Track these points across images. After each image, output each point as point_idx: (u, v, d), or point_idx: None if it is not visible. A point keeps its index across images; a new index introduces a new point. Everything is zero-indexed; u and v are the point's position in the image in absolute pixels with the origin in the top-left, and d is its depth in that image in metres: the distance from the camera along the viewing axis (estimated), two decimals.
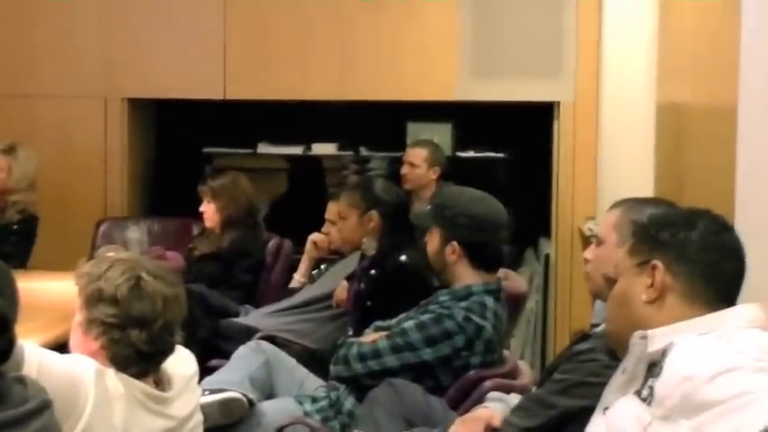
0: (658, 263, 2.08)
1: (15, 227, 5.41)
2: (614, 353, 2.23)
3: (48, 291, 3.91)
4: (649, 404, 1.95)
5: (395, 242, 4.29)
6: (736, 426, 1.80)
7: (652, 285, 2.08)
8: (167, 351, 2.51)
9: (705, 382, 1.87)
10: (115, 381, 2.40)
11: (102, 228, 6.01)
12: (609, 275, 2.29)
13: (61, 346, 2.70)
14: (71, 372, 2.36)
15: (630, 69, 5.10)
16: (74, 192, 6.25)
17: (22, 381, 1.99)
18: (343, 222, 4.54)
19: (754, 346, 1.95)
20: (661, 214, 2.34)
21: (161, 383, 2.53)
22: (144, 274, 2.47)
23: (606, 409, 2.10)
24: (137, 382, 2.44)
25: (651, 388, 1.96)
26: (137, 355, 2.44)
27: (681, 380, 1.90)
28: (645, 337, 2.03)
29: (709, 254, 2.07)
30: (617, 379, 2.15)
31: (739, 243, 2.12)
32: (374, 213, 4.41)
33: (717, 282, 2.07)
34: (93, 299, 2.46)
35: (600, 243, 2.76)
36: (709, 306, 2.05)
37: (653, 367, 2.01)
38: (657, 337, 2.02)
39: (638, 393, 2.00)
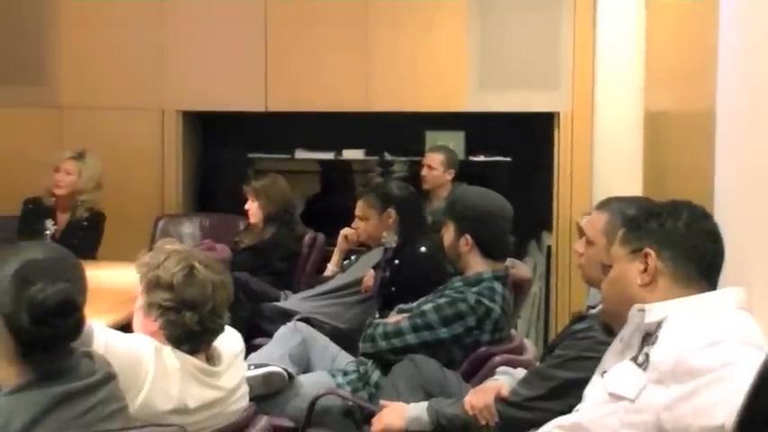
0: (650, 250, 2.06)
1: (85, 223, 5.43)
2: (609, 329, 2.21)
3: (113, 278, 3.92)
4: (645, 369, 1.94)
5: (411, 232, 4.29)
6: (722, 391, 1.79)
7: (645, 270, 2.07)
8: (217, 331, 2.52)
9: (696, 352, 1.86)
10: (171, 357, 2.41)
11: (160, 223, 6.03)
12: (604, 262, 2.28)
13: (124, 327, 2.72)
14: (133, 349, 2.37)
15: (621, 82, 5.07)
16: (135, 192, 6.27)
17: (90, 356, 2.01)
18: (366, 222, 4.54)
19: (739, 324, 1.95)
20: (648, 206, 2.32)
21: (212, 359, 2.54)
22: (196, 264, 2.48)
23: (605, 372, 2.09)
24: (190, 358, 2.44)
25: (647, 355, 1.95)
26: (190, 334, 2.45)
27: (674, 349, 1.89)
28: (642, 310, 2.02)
29: (693, 238, 2.06)
30: (615, 346, 2.13)
31: (717, 227, 2.11)
32: (391, 210, 4.41)
33: (701, 262, 2.05)
34: (152, 285, 2.47)
35: (590, 243, 2.73)
36: (696, 284, 2.04)
37: (648, 337, 2.00)
38: (654, 311, 2.01)
39: (635, 359, 1.99)
